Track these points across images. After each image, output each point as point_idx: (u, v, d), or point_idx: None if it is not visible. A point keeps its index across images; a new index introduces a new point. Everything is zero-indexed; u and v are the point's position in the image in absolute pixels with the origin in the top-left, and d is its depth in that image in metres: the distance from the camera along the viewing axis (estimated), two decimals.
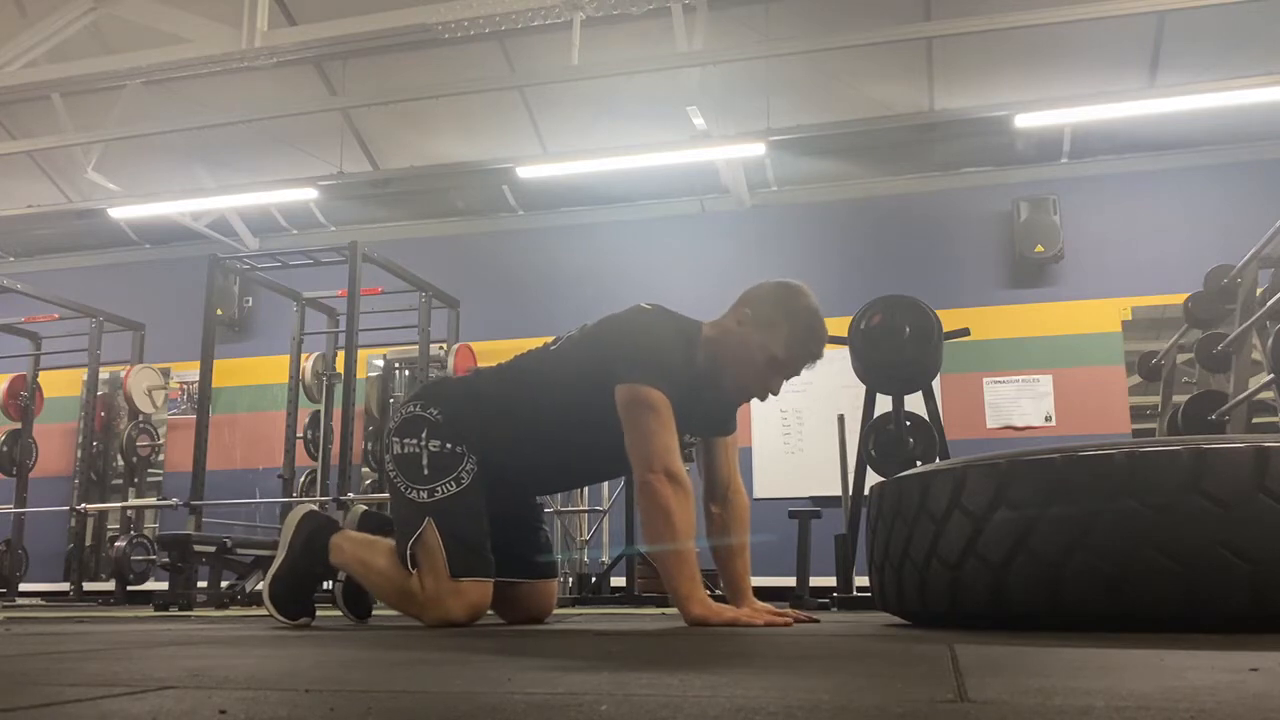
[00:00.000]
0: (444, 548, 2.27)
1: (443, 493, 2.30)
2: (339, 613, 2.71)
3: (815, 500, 4.86)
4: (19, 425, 7.69)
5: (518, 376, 2.44)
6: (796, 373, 2.34)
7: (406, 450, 2.37)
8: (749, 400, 2.43)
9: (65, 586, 7.33)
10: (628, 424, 2.21)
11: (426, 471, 2.32)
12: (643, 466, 2.19)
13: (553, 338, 2.49)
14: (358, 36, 6.19)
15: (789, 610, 2.40)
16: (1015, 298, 7.33)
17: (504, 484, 2.41)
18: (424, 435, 2.35)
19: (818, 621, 2.37)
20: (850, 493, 4.02)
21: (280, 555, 2.52)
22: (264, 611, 2.58)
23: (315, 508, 2.63)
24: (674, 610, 2.47)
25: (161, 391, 7.94)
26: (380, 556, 2.43)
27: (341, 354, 6.47)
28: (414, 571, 2.31)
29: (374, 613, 2.76)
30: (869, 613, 3.28)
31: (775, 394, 2.36)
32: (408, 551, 2.32)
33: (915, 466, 3.14)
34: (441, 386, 2.58)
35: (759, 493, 6.52)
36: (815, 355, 2.32)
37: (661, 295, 2.62)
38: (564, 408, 2.34)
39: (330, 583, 2.76)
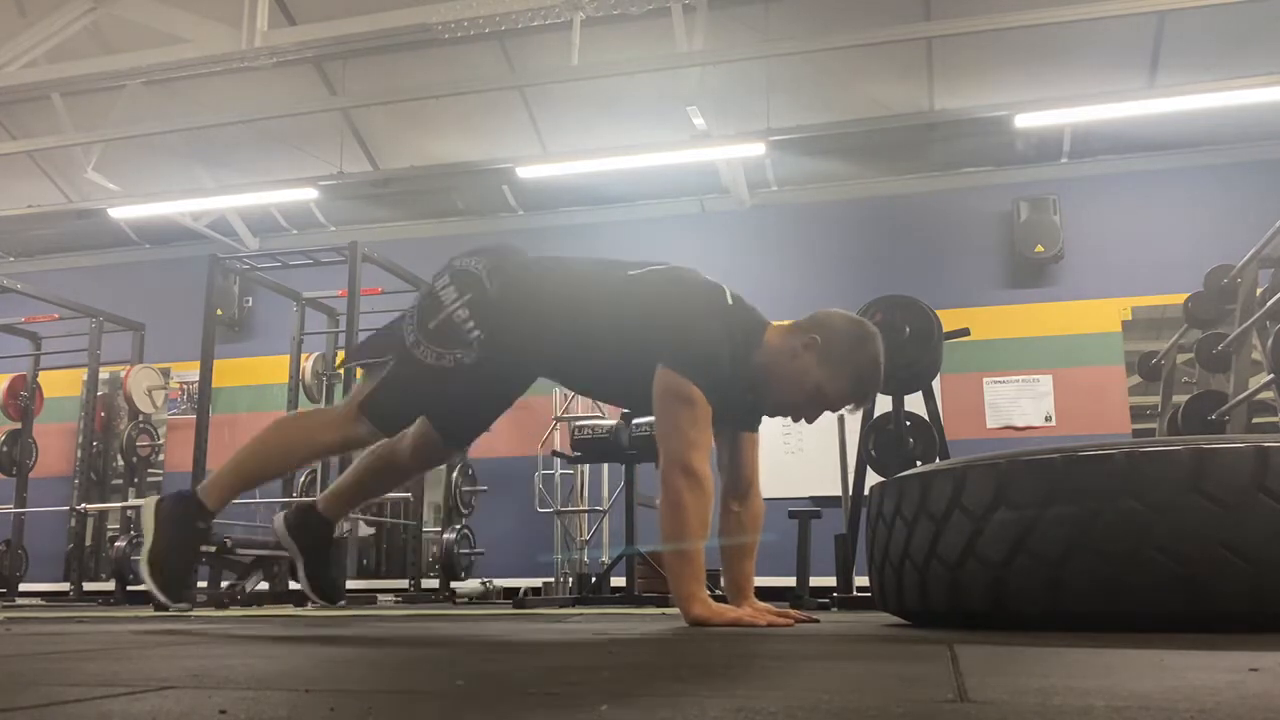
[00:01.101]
0: (381, 386, 2.28)
1: (420, 355, 2.26)
2: (314, 607, 2.66)
3: (815, 500, 4.86)
4: (19, 425, 7.69)
5: (585, 295, 2.35)
6: (834, 411, 2.35)
7: (440, 293, 2.30)
8: (778, 416, 2.41)
9: (65, 586, 7.33)
10: (659, 411, 2.21)
11: (431, 326, 2.27)
12: (666, 458, 2.19)
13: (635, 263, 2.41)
14: (358, 36, 6.19)
15: (790, 610, 2.40)
16: (1015, 298, 7.33)
17: (501, 368, 2.35)
18: (461, 299, 2.27)
19: (818, 621, 2.37)
20: (850, 493, 4.02)
21: (148, 538, 2.34)
22: (263, 612, 2.57)
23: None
24: (674, 610, 2.47)
25: (161, 391, 7.94)
26: (263, 432, 2.41)
27: (341, 354, 6.47)
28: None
29: (368, 612, 2.75)
30: (869, 613, 3.28)
31: (809, 423, 2.37)
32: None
33: (915, 466, 3.14)
34: (517, 271, 2.38)
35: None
36: (859, 405, 2.35)
37: None
38: (616, 338, 2.28)
39: (299, 575, 2.65)
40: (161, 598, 2.30)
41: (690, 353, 2.20)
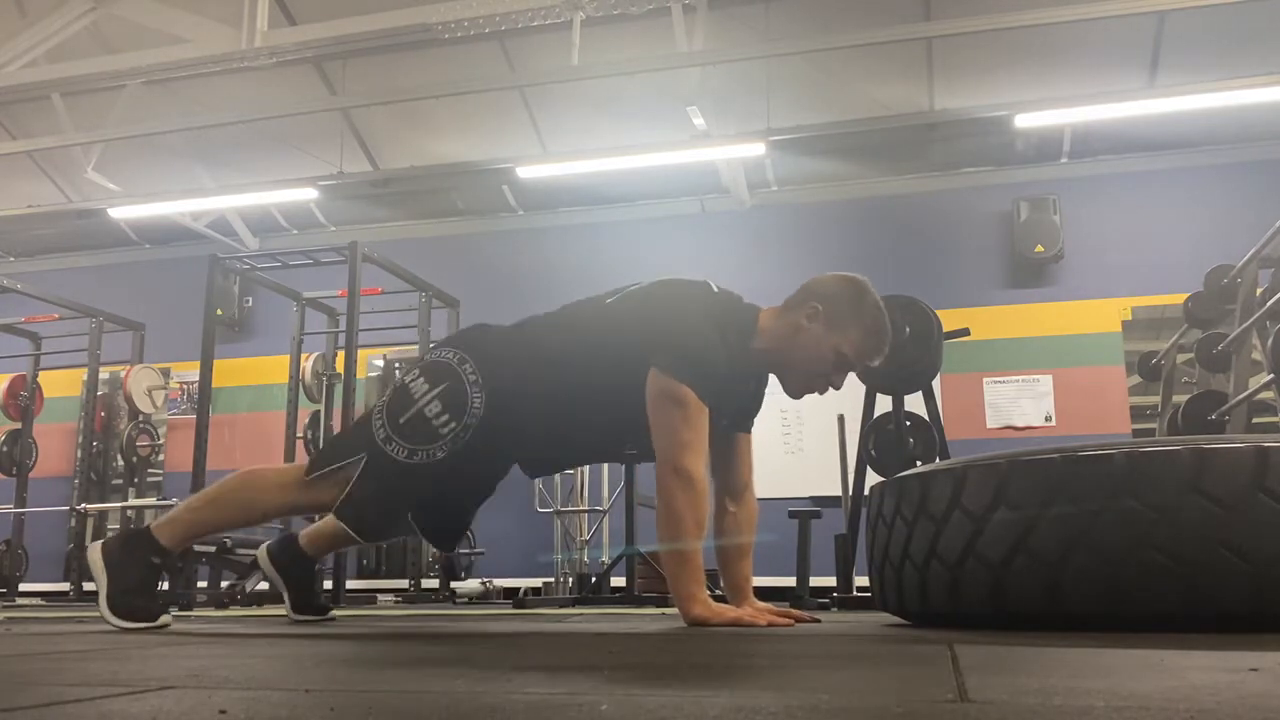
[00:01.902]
0: (350, 488, 2.25)
1: (391, 453, 2.23)
2: (304, 615, 2.64)
3: (815, 500, 4.85)
4: (19, 425, 7.68)
5: (568, 341, 2.33)
6: (859, 369, 2.35)
7: (410, 385, 2.28)
8: (807, 394, 2.39)
9: (65, 586, 7.33)
10: (653, 414, 2.20)
11: (402, 421, 2.24)
12: (660, 461, 2.19)
13: (610, 291, 2.41)
14: (358, 36, 6.19)
15: (791, 610, 2.40)
16: (1015, 298, 7.33)
17: (487, 456, 2.32)
18: (434, 392, 2.24)
19: (819, 622, 2.37)
20: (850, 493, 4.02)
21: (102, 580, 2.24)
22: (263, 612, 2.56)
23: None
24: (674, 610, 2.47)
25: (161, 391, 7.94)
26: (226, 482, 2.37)
27: (341, 354, 6.47)
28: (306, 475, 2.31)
29: (368, 612, 2.75)
30: (869, 613, 3.28)
31: (837, 389, 2.37)
32: (322, 464, 2.30)
33: (915, 466, 3.14)
34: (490, 345, 2.36)
35: (759, 492, 6.50)
36: (881, 354, 2.33)
37: None
38: (606, 375, 2.27)
39: (285, 604, 2.67)
40: (134, 625, 2.19)
41: (680, 353, 2.19)
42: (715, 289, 2.36)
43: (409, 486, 2.27)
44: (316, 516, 2.66)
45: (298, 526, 3.43)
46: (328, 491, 2.29)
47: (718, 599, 2.28)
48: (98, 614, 2.22)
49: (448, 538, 2.55)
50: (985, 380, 7.16)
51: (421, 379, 2.28)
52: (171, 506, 6.64)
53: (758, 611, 2.24)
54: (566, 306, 2.44)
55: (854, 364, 2.32)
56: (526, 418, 2.30)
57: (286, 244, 8.29)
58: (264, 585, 5.53)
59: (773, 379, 2.44)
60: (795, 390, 2.39)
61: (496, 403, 2.24)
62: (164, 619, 2.24)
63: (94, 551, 2.28)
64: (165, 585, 5.04)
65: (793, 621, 2.21)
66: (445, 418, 2.22)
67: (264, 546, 2.67)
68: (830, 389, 2.37)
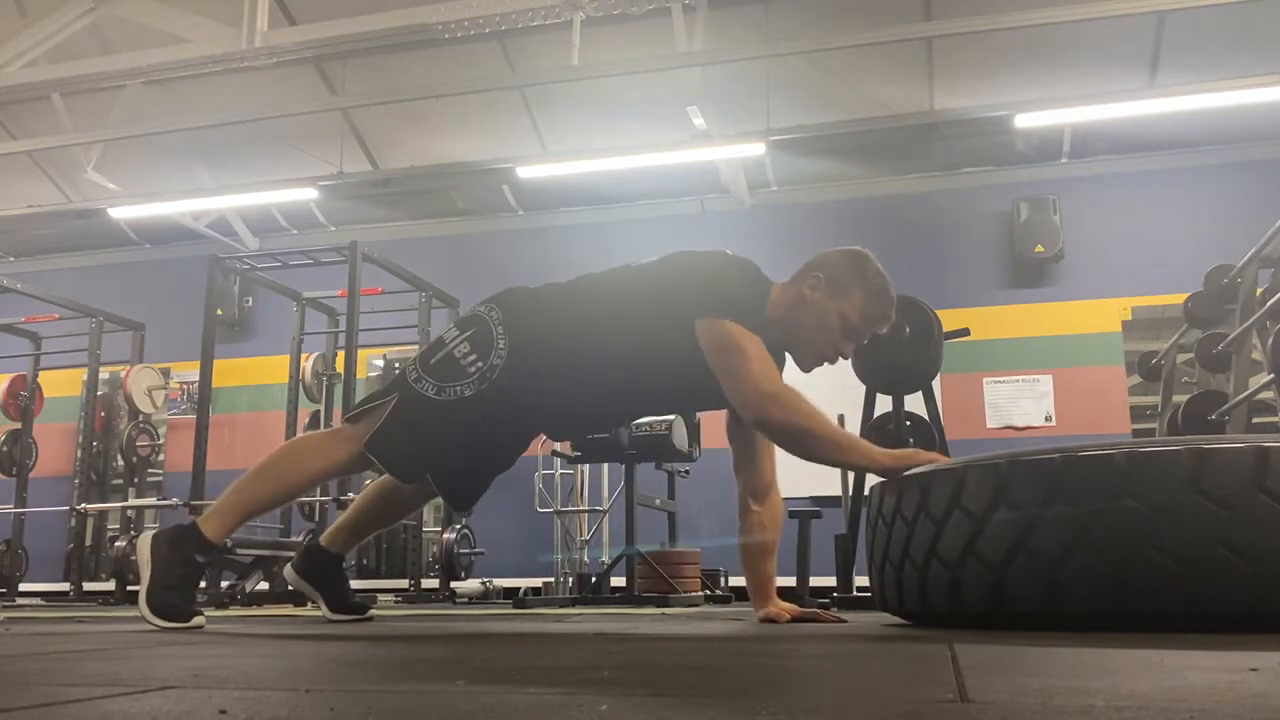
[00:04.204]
0: (384, 423, 2.29)
1: (421, 390, 2.29)
2: (313, 607, 2.64)
3: (815, 500, 4.86)
4: (19, 425, 7.68)
5: (591, 301, 2.39)
6: (866, 337, 2.36)
7: (444, 334, 2.39)
8: (818, 366, 2.40)
9: (65, 586, 7.33)
10: (717, 364, 2.19)
11: (433, 362, 2.32)
12: (753, 405, 2.16)
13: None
14: (358, 36, 6.19)
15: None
16: (1015, 298, 7.33)
17: (506, 416, 2.37)
18: (464, 335, 2.33)
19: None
20: (850, 493, 4.02)
21: (146, 573, 2.27)
22: (263, 612, 2.56)
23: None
24: (674, 610, 2.47)
25: (161, 391, 7.94)
26: (268, 457, 2.41)
27: (341, 354, 6.47)
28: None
29: (374, 613, 2.75)
30: (869, 613, 3.28)
31: (846, 358, 2.39)
32: (356, 406, 2.39)
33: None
34: (520, 299, 2.44)
35: None
36: (887, 318, 2.35)
37: None
38: (630, 331, 2.30)
39: (323, 610, 2.66)
40: (168, 625, 2.21)
41: (718, 294, 2.21)
42: (730, 253, 2.39)
43: (437, 423, 2.29)
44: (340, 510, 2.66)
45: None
46: (363, 440, 2.32)
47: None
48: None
49: (462, 498, 2.58)
50: (985, 380, 7.16)
51: (454, 328, 2.40)
52: (171, 506, 6.63)
53: (782, 609, 2.25)
54: (587, 275, 2.47)
55: (861, 330, 2.32)
56: (549, 367, 2.33)
57: (286, 244, 8.29)
58: (264, 585, 5.53)
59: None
60: (806, 362, 2.39)
61: (521, 349, 2.29)
62: (198, 620, 2.25)
63: (144, 543, 2.32)
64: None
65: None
66: (473, 357, 2.28)
67: (288, 566, 2.68)
68: (840, 359, 2.38)
